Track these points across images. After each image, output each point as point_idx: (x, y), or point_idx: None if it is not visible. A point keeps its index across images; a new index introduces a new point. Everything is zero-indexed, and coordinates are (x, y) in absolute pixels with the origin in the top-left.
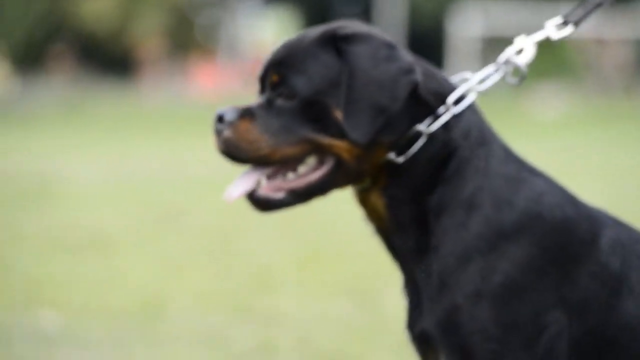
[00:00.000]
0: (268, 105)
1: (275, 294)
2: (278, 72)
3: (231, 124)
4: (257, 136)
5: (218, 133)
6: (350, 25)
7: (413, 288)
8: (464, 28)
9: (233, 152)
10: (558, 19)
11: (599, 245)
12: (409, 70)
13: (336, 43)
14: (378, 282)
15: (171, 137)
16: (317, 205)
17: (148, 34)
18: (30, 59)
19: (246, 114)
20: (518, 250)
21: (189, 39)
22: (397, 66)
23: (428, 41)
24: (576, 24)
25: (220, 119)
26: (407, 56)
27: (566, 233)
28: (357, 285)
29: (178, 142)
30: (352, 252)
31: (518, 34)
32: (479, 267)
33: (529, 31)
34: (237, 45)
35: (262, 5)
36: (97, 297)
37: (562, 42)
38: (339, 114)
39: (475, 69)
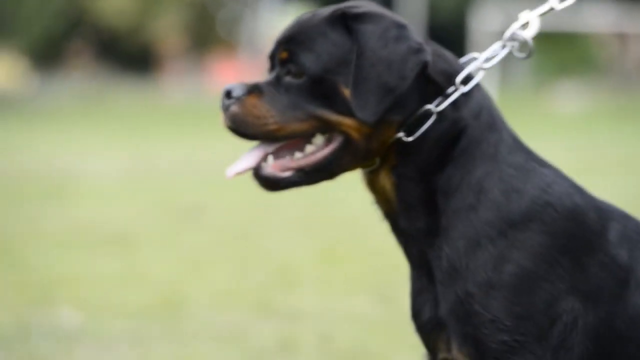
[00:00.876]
0: (276, 82)
1: (296, 291)
2: (287, 49)
3: (239, 100)
4: (265, 112)
5: (225, 108)
6: (362, 4)
7: (418, 273)
8: (486, 23)
9: (240, 127)
10: None
11: (608, 236)
12: (418, 50)
13: (346, 22)
14: (399, 278)
15: (191, 133)
16: (337, 201)
17: (168, 30)
18: (49, 54)
19: (254, 89)
20: (528, 238)
21: (209, 35)
22: (407, 45)
23: (447, 36)
24: None
25: (228, 94)
26: (416, 36)
27: (576, 221)
28: (377, 282)
29: (198, 138)
30: (372, 248)
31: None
32: (489, 255)
33: (548, 25)
34: (257, 41)
35: (282, 1)
36: (117, 295)
37: (584, 37)
38: (347, 92)
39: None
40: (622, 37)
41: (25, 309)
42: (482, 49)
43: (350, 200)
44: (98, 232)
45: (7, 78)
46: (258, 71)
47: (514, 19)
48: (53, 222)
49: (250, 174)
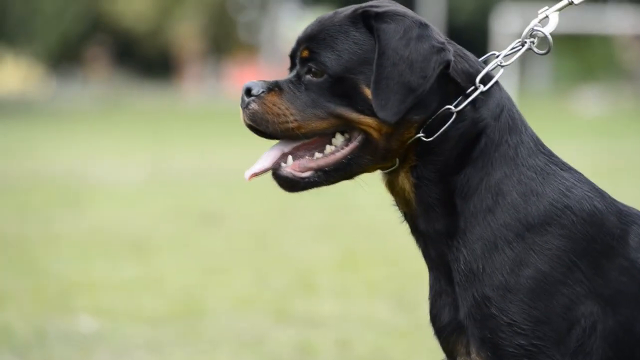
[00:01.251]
0: (297, 80)
1: (314, 297)
2: (308, 47)
3: (259, 97)
4: (285, 110)
5: (245, 105)
6: (384, 4)
7: (436, 275)
8: (506, 25)
9: (260, 125)
10: None
11: (628, 240)
12: (441, 49)
13: (368, 20)
14: (418, 284)
15: (210, 138)
16: (356, 206)
17: (187, 34)
18: (67, 58)
19: (274, 87)
20: (546, 242)
21: (229, 39)
22: (429, 45)
23: (467, 38)
24: None
25: (248, 91)
26: (439, 36)
27: (595, 225)
28: (396, 288)
29: (217, 144)
30: (391, 254)
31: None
32: (506, 258)
33: (570, 28)
34: (277, 45)
35: (301, 5)
36: (134, 301)
37: (606, 40)
38: (368, 92)
39: (516, 65)
40: None
41: (42, 315)
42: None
43: (369, 206)
44: (115, 238)
45: (25, 82)
46: (278, 75)
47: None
48: (70, 228)
49: (269, 176)
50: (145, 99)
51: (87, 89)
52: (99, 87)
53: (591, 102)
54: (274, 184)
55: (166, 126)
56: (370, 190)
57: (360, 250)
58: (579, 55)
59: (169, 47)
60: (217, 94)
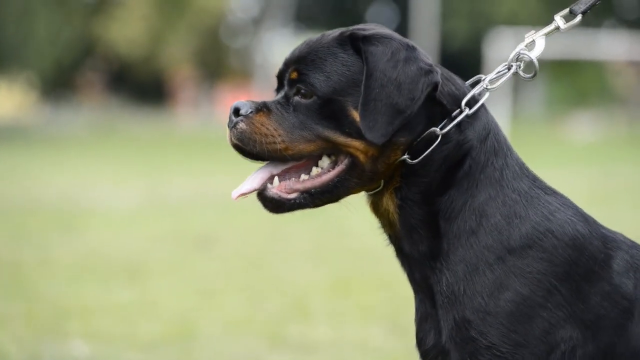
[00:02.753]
0: (285, 101)
1: (309, 321)
2: (297, 69)
3: (247, 117)
4: (273, 130)
5: (233, 125)
6: (370, 26)
7: (422, 298)
8: (500, 50)
9: (247, 144)
10: (565, 11)
11: (612, 265)
12: (429, 71)
13: (356, 43)
14: (411, 309)
15: (203, 163)
16: (349, 231)
17: (179, 59)
18: (60, 84)
19: (262, 107)
20: (527, 265)
21: (221, 64)
22: (417, 67)
23: (461, 63)
24: (583, 13)
25: (236, 111)
26: (426, 58)
27: (577, 249)
28: (391, 312)
29: (210, 168)
30: (385, 278)
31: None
32: (487, 281)
33: (562, 54)
34: (269, 71)
35: (294, 32)
36: (128, 325)
37: (599, 66)
38: (355, 114)
39: (508, 90)
40: (638, 66)
41: (36, 339)
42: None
43: (361, 230)
44: (109, 263)
45: (18, 108)
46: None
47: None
48: (64, 252)
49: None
50: (138, 125)
51: (80, 114)
52: (92, 112)
53: (584, 128)
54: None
55: (160, 151)
56: (362, 215)
57: (353, 275)
58: (572, 81)
59: (162, 73)
60: (210, 120)
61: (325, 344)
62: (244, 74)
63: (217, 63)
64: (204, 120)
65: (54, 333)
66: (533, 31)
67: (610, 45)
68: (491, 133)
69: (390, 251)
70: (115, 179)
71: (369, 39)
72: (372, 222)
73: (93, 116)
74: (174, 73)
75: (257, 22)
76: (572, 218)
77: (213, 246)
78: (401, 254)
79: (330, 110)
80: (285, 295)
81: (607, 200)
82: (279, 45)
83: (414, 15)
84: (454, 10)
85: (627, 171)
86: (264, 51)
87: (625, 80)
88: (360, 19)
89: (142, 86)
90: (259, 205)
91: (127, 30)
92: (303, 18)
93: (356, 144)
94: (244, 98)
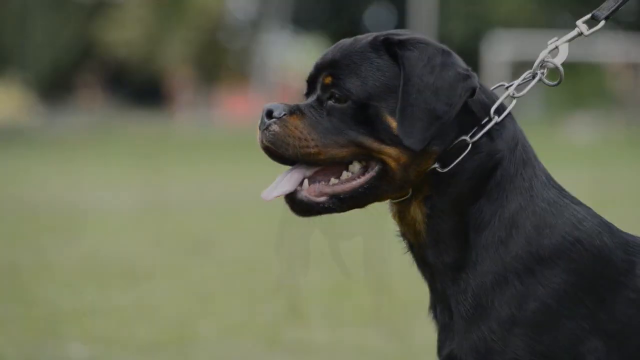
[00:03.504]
0: (318, 105)
1: (306, 324)
2: (331, 73)
3: (280, 119)
4: (306, 134)
5: (265, 127)
6: (403, 31)
7: (443, 307)
8: (497, 53)
9: (279, 147)
10: (587, 17)
11: (636, 272)
12: (467, 77)
13: (391, 48)
14: (408, 312)
15: (201, 166)
16: (346, 234)
17: (177, 61)
18: (58, 86)
19: (296, 110)
20: (554, 275)
21: (220, 67)
22: (454, 72)
23: None
24: (606, 18)
25: (269, 113)
26: (462, 63)
27: (603, 261)
28: (388, 315)
29: (208, 171)
30: (381, 282)
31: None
32: (515, 292)
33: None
34: (268, 73)
35: (292, 34)
36: (125, 328)
37: (597, 68)
38: (391, 120)
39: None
40: (636, 68)
41: (33, 343)
42: (493, 79)
43: (360, 233)
44: (107, 266)
45: (15, 110)
46: (267, 102)
47: (525, 48)
48: (62, 255)
49: (259, 203)
50: (136, 127)
51: (78, 116)
52: (90, 114)
53: (582, 130)
54: (266, 210)
55: (158, 154)
56: (360, 218)
57: (351, 278)
58: (570, 83)
59: (160, 75)
60: (208, 122)
61: (322, 347)
62: (242, 76)
63: (215, 65)
64: (202, 122)
65: (51, 336)
66: (556, 38)
67: (608, 48)
68: (519, 143)
69: (389, 252)
70: (112, 181)
71: (404, 44)
72: (370, 225)
73: (91, 118)
74: (171, 75)
75: (255, 24)
76: (599, 228)
77: (210, 249)
78: (423, 263)
79: (364, 116)
80: (282, 299)
81: (606, 202)
82: (277, 48)
83: (411, 17)
84: (452, 12)
85: (625, 172)
86: (262, 53)
87: (623, 82)
88: (357, 21)
89: (140, 88)
90: (258, 209)
91: (124, 32)
92: (301, 20)
93: (390, 150)
94: (241, 100)
